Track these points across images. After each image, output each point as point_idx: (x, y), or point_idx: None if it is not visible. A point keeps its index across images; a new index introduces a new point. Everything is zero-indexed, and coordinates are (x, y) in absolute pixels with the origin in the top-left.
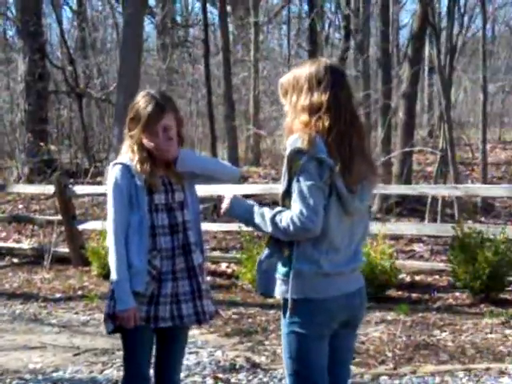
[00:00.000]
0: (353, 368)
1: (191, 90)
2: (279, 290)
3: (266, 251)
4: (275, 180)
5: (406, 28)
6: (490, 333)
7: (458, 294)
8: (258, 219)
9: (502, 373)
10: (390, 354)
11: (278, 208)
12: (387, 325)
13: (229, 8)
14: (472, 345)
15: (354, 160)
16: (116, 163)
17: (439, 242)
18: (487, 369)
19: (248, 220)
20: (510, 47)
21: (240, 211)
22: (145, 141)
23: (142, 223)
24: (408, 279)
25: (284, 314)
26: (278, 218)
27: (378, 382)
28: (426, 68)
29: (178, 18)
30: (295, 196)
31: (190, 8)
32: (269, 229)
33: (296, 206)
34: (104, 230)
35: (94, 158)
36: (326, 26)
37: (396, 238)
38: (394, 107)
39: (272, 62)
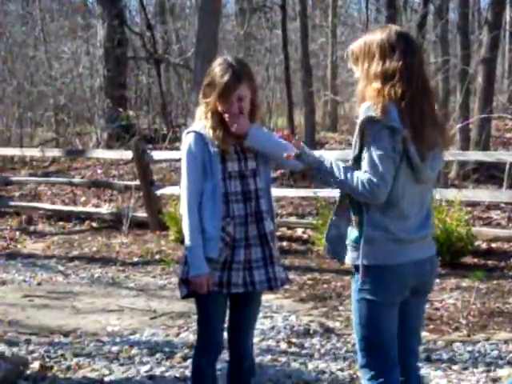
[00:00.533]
0: (426, 334)
1: (269, 56)
2: (350, 257)
3: (334, 217)
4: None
5: None
6: None
7: None
8: (329, 166)
9: None
10: (463, 321)
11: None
12: (462, 292)
13: None
14: None
15: (426, 127)
16: (189, 131)
17: None
18: None
19: (320, 165)
20: None
21: (312, 156)
22: (219, 108)
23: (216, 190)
24: (484, 246)
25: (355, 280)
26: (349, 174)
27: (452, 348)
28: (507, 33)
29: None
30: (365, 163)
31: None
32: (341, 176)
33: (366, 173)
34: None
35: (171, 123)
36: None
37: (473, 204)
38: (473, 73)
39: (350, 28)
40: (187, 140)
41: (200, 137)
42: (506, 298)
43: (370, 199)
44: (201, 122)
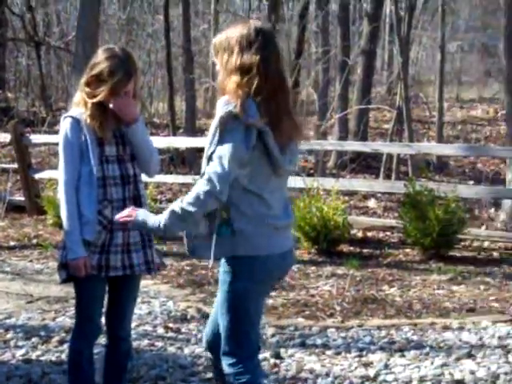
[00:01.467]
0: (301, 320)
1: (150, 41)
2: (220, 251)
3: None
4: None
5: None
6: (438, 289)
7: (408, 250)
8: (166, 214)
9: (445, 327)
10: (338, 308)
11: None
12: (337, 279)
13: None
14: (419, 300)
15: (283, 121)
16: (66, 116)
17: (393, 199)
18: (432, 323)
19: (156, 221)
20: (471, 6)
21: (147, 218)
22: (105, 100)
23: (92, 174)
24: (360, 235)
25: (225, 271)
26: (184, 198)
27: (326, 334)
28: (387, 26)
29: None
30: (214, 157)
31: None
32: (180, 210)
33: (211, 167)
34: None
35: (51, 106)
36: None
37: (351, 194)
38: (353, 64)
39: (233, 15)
40: (64, 125)
41: (76, 122)
42: (380, 286)
43: (210, 200)
44: (78, 108)
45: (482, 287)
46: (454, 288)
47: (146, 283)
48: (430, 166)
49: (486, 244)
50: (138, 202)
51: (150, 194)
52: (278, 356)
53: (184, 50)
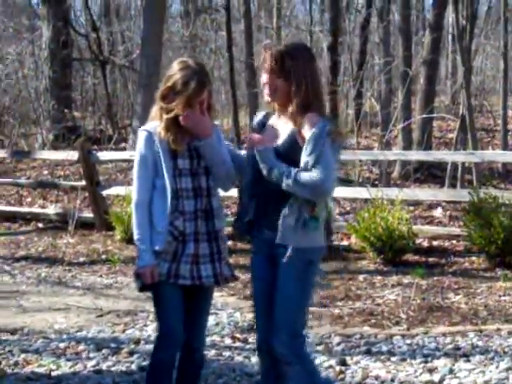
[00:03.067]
0: (367, 329)
1: (214, 57)
2: (303, 241)
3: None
4: None
5: None
6: (504, 295)
7: (473, 258)
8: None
9: (511, 333)
10: (404, 316)
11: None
12: (403, 288)
13: None
14: (485, 307)
15: None
16: (142, 129)
17: (458, 208)
18: (498, 329)
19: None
20: None
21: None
22: (178, 111)
23: (165, 187)
24: (425, 244)
25: (299, 261)
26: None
27: (391, 341)
28: (450, 35)
29: None
30: (323, 163)
31: None
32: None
33: (323, 170)
34: (127, 196)
35: (117, 124)
36: None
37: (415, 204)
38: (414, 74)
39: (295, 29)
40: (139, 138)
41: (150, 135)
42: (445, 294)
43: (321, 194)
44: (154, 121)
45: None
46: None
47: (213, 295)
48: (495, 174)
49: None
50: (210, 214)
51: None
52: (343, 363)
53: (247, 65)
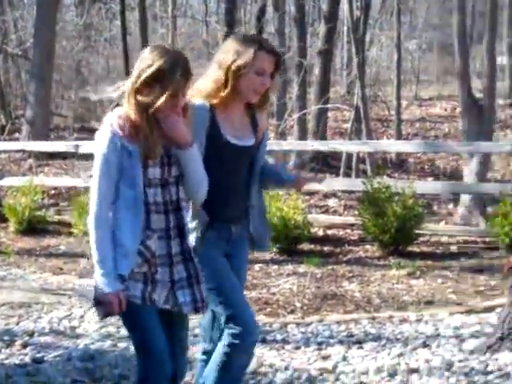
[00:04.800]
0: (262, 318)
1: (108, 47)
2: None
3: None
4: None
5: None
6: (397, 283)
7: (367, 247)
8: None
9: (403, 320)
10: (298, 304)
11: None
12: (298, 277)
13: None
14: (378, 295)
15: None
16: (106, 128)
17: (353, 198)
18: (390, 317)
19: None
20: (429, 4)
21: None
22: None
23: (137, 200)
24: (321, 233)
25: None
26: None
27: (286, 330)
28: (345, 26)
29: None
30: None
31: None
32: None
33: None
34: (21, 187)
35: (10, 114)
36: None
37: (311, 193)
38: (309, 64)
39: (191, 19)
40: (101, 139)
41: (117, 136)
42: (340, 282)
43: None
44: (120, 119)
45: (439, 280)
46: (413, 282)
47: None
48: (389, 163)
49: (444, 239)
50: (183, 231)
51: None
52: None
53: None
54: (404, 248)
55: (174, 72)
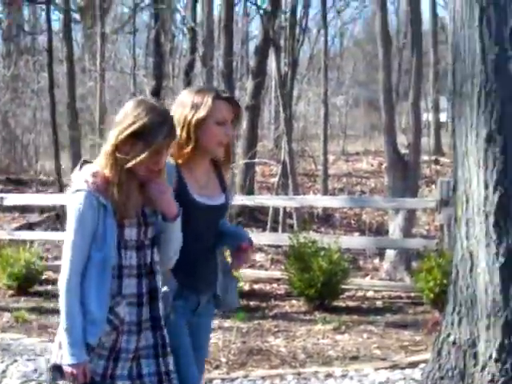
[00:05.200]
0: None
1: (36, 98)
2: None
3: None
4: None
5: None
6: (322, 338)
7: (293, 301)
8: None
9: (329, 375)
10: (224, 360)
11: None
12: (224, 331)
13: (78, 16)
14: (303, 350)
15: None
16: (79, 189)
17: (279, 252)
18: (315, 372)
19: None
20: (355, 60)
21: None
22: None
23: (106, 262)
24: (247, 288)
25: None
26: None
27: None
28: (273, 81)
29: (26, 25)
30: None
31: (38, 15)
32: None
33: None
34: None
35: None
36: (177, 35)
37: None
38: None
39: (119, 73)
40: (77, 200)
41: (93, 197)
42: (265, 337)
43: None
44: (94, 176)
45: (365, 335)
46: (338, 337)
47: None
48: (316, 218)
49: (369, 293)
50: (154, 297)
51: (35, 253)
52: None
53: (69, 107)
54: (330, 303)
55: (159, 131)
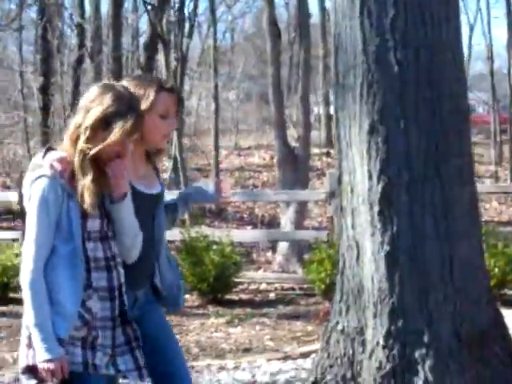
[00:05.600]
0: None
1: None
2: None
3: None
4: (7, 188)
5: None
6: (215, 331)
7: (186, 296)
8: None
9: (221, 368)
10: None
11: None
12: None
13: None
14: (197, 343)
15: None
16: (42, 175)
17: (172, 247)
18: (208, 365)
19: None
20: (245, 56)
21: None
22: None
23: (77, 255)
24: None
25: None
26: None
27: None
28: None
29: None
30: None
31: None
32: None
33: None
34: None
35: None
36: (65, 31)
37: None
38: None
39: (9, 69)
40: (39, 187)
41: (58, 183)
42: None
43: None
44: (60, 162)
45: (257, 328)
46: (231, 330)
47: None
48: (208, 212)
49: (262, 286)
50: (121, 291)
51: None
52: None
53: None
54: (222, 296)
55: (125, 118)
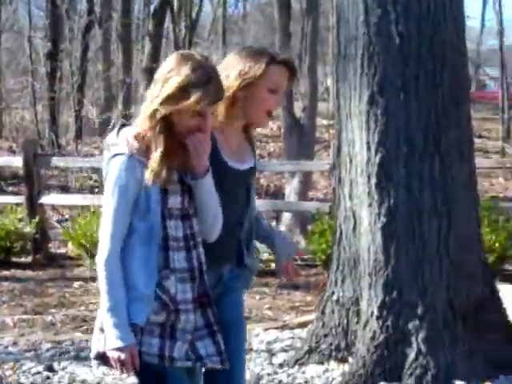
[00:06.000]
0: (79, 335)
1: None
2: None
3: None
4: (13, 152)
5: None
6: None
7: None
8: None
9: None
10: None
11: None
12: None
13: None
14: None
15: None
16: (119, 153)
17: None
18: None
19: None
20: (258, 25)
21: None
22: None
23: (153, 232)
24: None
25: None
26: None
27: None
28: (172, 43)
29: None
30: None
31: None
32: None
33: None
34: None
35: None
36: None
37: None
38: (135, 81)
39: (16, 33)
40: (116, 165)
41: (136, 160)
42: None
43: None
44: (135, 139)
45: (257, 297)
46: None
47: None
48: None
49: (265, 256)
50: (201, 271)
51: None
52: (50, 369)
53: None
54: None
55: (204, 88)
